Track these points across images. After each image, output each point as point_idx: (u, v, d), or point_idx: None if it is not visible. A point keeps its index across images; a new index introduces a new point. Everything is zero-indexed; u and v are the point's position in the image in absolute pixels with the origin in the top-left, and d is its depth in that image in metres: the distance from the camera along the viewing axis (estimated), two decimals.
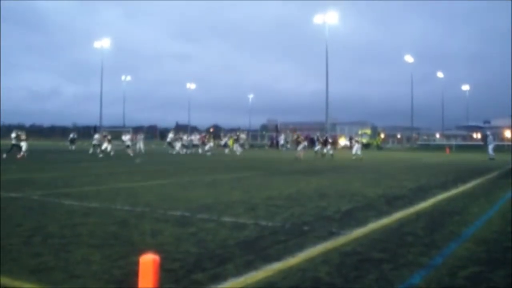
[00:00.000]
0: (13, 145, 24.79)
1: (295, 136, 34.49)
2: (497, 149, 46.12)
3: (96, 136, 31.60)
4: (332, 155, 28.77)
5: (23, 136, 26.42)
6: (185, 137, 35.57)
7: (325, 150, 29.61)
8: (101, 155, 26.56)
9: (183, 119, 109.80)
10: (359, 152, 27.52)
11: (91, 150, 29.30)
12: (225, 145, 36.47)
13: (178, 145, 34.66)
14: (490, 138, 29.73)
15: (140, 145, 34.81)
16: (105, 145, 29.42)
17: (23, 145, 25.74)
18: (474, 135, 75.63)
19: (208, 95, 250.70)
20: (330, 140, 31.69)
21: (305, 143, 32.43)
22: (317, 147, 30.98)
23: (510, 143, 49.98)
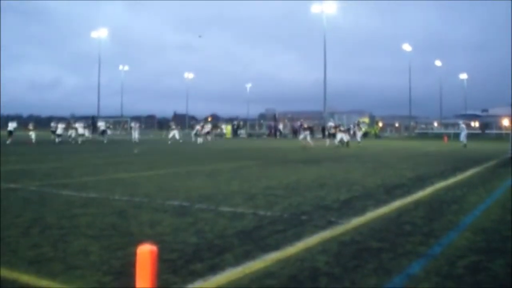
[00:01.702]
0: (103, 130, 34.34)
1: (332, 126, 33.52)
2: (496, 137, 46.54)
3: (53, 124, 33.92)
4: (347, 143, 28.19)
5: (110, 126, 37.59)
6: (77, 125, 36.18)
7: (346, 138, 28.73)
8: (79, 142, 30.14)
9: (184, 109, 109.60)
10: (349, 140, 27.64)
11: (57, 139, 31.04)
12: (196, 134, 37.20)
13: (73, 133, 35.04)
14: (462, 126, 32.56)
15: (135, 134, 35.73)
16: (70, 132, 32.87)
17: (107, 132, 34.99)
18: (472, 124, 75.64)
19: (208, 85, 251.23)
20: (342, 129, 30.70)
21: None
22: (339, 136, 29.12)
23: (508, 131, 49.98)
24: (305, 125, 33.73)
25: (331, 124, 38.39)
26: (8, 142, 27.21)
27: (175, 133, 34.66)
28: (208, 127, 40.25)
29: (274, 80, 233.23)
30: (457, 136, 53.03)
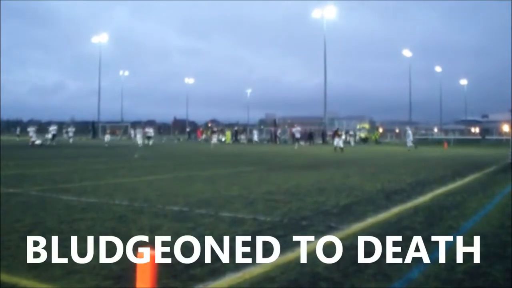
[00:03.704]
0: (54, 135, 35.83)
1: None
2: (496, 143, 46.72)
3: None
4: (342, 149, 29.43)
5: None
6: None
7: (340, 144, 30.24)
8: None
9: (185, 114, 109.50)
10: (341, 145, 29.65)
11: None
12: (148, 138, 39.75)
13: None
14: (409, 132, 36.14)
15: (140, 139, 37.04)
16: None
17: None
18: (472, 130, 75.72)
19: (209, 89, 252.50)
20: (339, 133, 32.27)
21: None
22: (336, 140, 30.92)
23: (508, 137, 50.10)
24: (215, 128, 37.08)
25: (297, 129, 42.04)
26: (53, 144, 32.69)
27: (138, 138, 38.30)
28: (150, 131, 41.82)
29: (275, 85, 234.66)
30: (457, 141, 53.22)
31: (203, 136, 59.65)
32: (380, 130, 71.87)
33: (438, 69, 79.33)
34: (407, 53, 68.87)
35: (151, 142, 37.92)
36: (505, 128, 65.06)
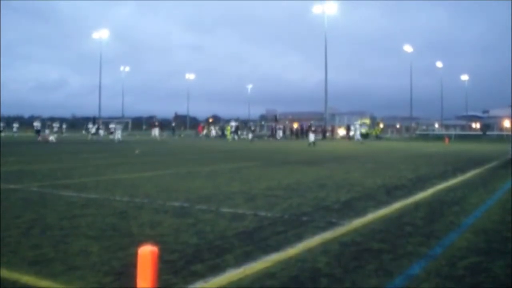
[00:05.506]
0: (37, 130, 38.63)
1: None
2: (496, 138, 46.79)
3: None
4: (314, 143, 30.90)
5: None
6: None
7: (311, 139, 31.84)
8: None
9: (189, 110, 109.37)
10: (312, 139, 31.21)
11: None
12: (112, 133, 41.80)
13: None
14: (357, 126, 40.41)
15: (118, 135, 38.17)
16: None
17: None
18: (473, 125, 75.63)
19: (211, 85, 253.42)
20: (313, 129, 34.17)
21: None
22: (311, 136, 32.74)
23: (509, 133, 50.03)
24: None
25: (233, 124, 48.23)
26: (39, 139, 34.35)
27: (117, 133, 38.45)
28: (113, 127, 42.48)
29: (277, 81, 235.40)
30: (458, 137, 53.15)
31: (204, 132, 59.78)
32: (381, 125, 71.81)
33: (439, 64, 79.35)
34: (408, 48, 68.83)
35: (116, 137, 37.96)
36: (506, 123, 64.94)
